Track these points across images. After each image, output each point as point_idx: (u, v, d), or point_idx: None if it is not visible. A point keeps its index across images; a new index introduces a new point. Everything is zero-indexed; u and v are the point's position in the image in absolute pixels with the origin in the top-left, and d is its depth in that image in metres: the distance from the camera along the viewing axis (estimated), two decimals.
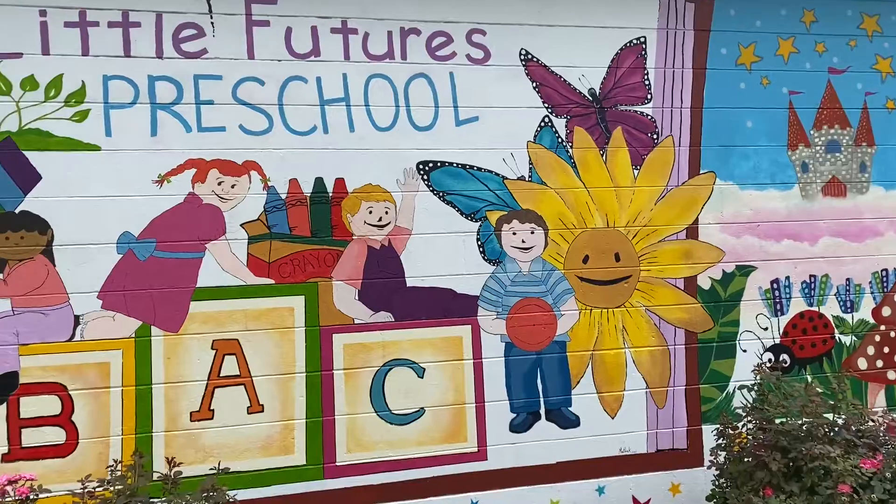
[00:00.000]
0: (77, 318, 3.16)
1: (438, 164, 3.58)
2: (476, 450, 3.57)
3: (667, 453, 3.79)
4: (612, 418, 3.73)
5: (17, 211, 3.11)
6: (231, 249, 3.33)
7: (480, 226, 3.62)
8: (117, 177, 3.21)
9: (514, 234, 3.66)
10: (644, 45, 3.83)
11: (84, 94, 3.18)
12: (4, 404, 3.07)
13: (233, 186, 3.34)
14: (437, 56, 3.59)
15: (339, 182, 3.47)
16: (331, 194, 3.46)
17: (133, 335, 3.21)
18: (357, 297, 3.47)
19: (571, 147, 3.72)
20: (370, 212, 3.50)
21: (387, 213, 3.52)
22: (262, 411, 3.35)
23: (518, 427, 3.62)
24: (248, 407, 3.33)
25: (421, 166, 3.56)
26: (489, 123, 3.63)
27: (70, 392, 3.14)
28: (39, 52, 3.14)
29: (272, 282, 3.38)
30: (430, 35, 3.58)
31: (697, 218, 3.87)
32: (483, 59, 3.64)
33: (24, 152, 3.12)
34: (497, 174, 3.64)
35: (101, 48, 3.20)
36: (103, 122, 3.20)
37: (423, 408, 3.52)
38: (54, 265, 3.14)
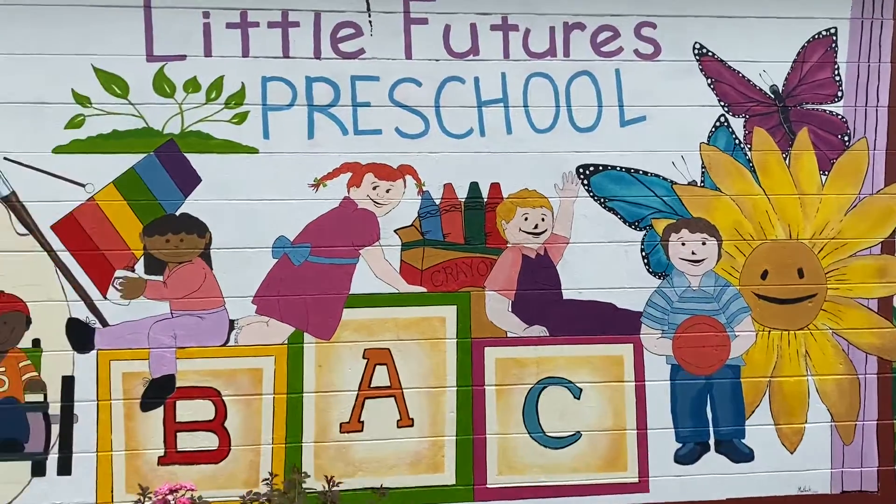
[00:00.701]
0: (232, 322, 3.12)
1: (600, 168, 3.32)
2: (637, 480, 3.27)
3: (853, 495, 3.36)
4: (791, 454, 3.33)
5: (177, 213, 3.11)
6: (384, 256, 3.21)
7: (645, 235, 3.33)
8: (274, 180, 3.15)
9: (684, 244, 3.34)
10: (835, 38, 3.42)
11: (243, 96, 3.15)
12: (162, 407, 3.07)
13: (387, 191, 3.22)
14: (602, 52, 3.34)
15: (495, 187, 3.28)
16: (485, 200, 3.28)
17: (286, 342, 3.14)
18: (510, 309, 3.27)
19: (750, 149, 3.37)
20: (526, 218, 3.29)
21: (543, 219, 3.30)
22: (412, 426, 3.20)
23: (684, 458, 3.30)
24: (397, 420, 3.19)
25: (581, 170, 3.31)
26: (657, 123, 3.34)
27: (223, 397, 3.11)
28: (202, 54, 3.13)
29: (424, 290, 3.23)
30: (596, 30, 3.33)
31: (894, 231, 3.42)
32: (652, 54, 3.35)
33: (185, 154, 3.12)
34: (665, 179, 3.34)
35: (260, 49, 3.16)
36: (261, 125, 3.16)
37: (579, 431, 3.26)
38: (211, 268, 3.12)
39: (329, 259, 3.18)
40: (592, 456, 3.26)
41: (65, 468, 3.01)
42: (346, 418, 3.17)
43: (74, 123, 3.06)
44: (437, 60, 3.25)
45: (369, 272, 3.20)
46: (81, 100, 3.06)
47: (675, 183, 3.34)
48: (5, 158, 3.02)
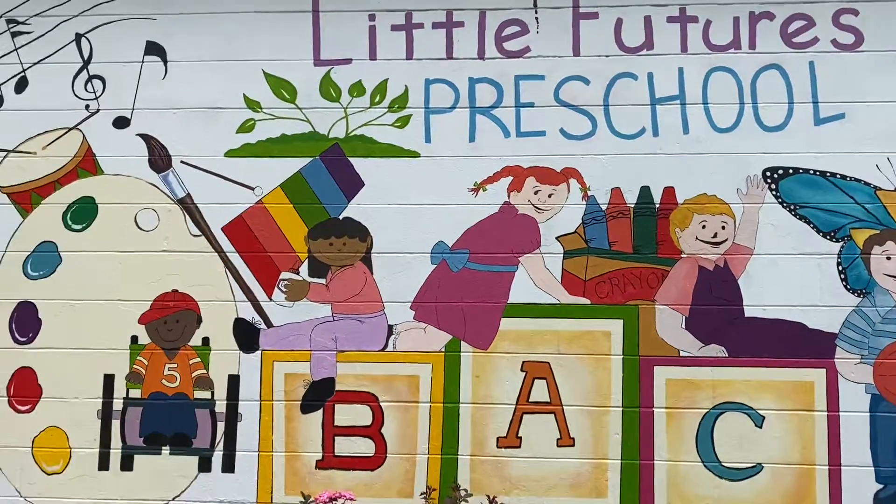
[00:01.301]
0: (391, 327, 3.07)
1: (790, 171, 2.98)
2: None
3: None
4: None
5: (340, 217, 3.10)
6: (545, 264, 3.05)
7: (843, 247, 2.96)
8: (434, 184, 3.08)
9: (889, 259, 2.94)
10: None
11: (406, 99, 3.11)
12: (321, 410, 3.07)
13: (550, 196, 3.06)
14: (793, 43, 3.01)
15: (668, 191, 3.03)
16: (657, 205, 3.04)
17: (443, 349, 3.05)
18: (684, 326, 3.00)
19: None
20: (703, 226, 3.02)
21: (723, 228, 3.01)
22: (573, 445, 3.00)
23: (885, 501, 2.88)
24: (557, 438, 3.01)
25: (768, 173, 2.99)
26: (859, 121, 2.96)
27: (381, 403, 3.06)
28: (367, 58, 3.12)
29: (588, 302, 3.03)
30: (787, 19, 3.01)
31: None
32: (853, 44, 2.98)
33: (349, 159, 3.11)
34: (867, 184, 2.95)
35: (424, 51, 3.10)
36: (423, 128, 3.10)
37: (760, 464, 2.93)
38: (372, 273, 3.09)
39: (487, 266, 3.06)
40: (775, 492, 2.92)
41: (229, 465, 3.07)
42: (504, 433, 3.03)
43: (245, 128, 3.14)
44: (607, 56, 3.06)
45: (529, 281, 3.05)
46: (252, 104, 3.14)
47: (880, 188, 2.95)
48: (182, 162, 3.15)
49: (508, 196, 3.07)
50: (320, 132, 3.12)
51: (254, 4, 3.13)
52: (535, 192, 3.07)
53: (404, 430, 3.05)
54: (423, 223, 3.07)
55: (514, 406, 3.03)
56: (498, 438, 3.03)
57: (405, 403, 3.05)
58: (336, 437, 3.06)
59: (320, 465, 3.06)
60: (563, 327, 3.04)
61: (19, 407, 3.13)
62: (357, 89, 3.12)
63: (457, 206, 3.07)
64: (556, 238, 3.05)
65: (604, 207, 3.05)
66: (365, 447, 3.05)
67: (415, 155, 3.09)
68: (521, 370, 3.04)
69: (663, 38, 3.04)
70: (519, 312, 3.05)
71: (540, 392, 3.03)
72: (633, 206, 3.04)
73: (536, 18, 3.08)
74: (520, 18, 3.08)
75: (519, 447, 3.02)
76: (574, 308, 3.03)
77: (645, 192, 3.04)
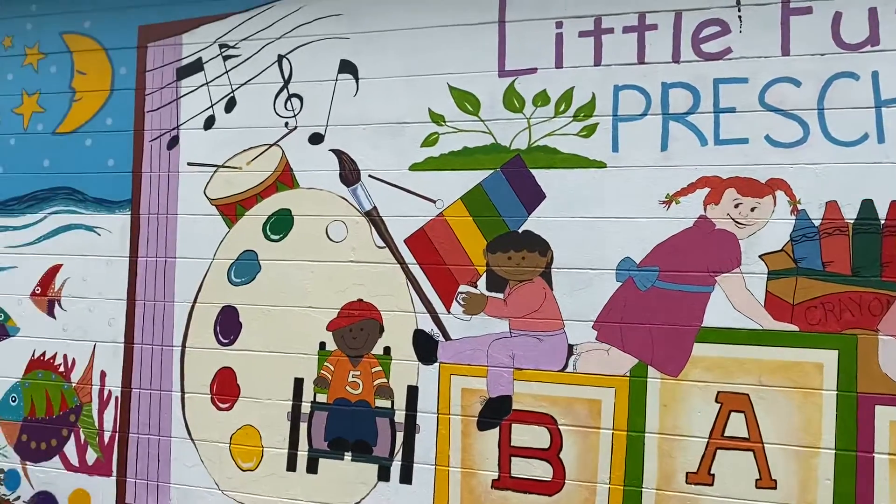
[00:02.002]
0: (571, 347, 2.94)
1: None
2: None
3: None
4: None
5: (520, 230, 3.02)
6: (746, 285, 2.76)
7: None
8: (621, 196, 2.91)
9: None
10: None
11: (593, 108, 2.96)
12: (497, 429, 3.00)
13: (753, 209, 2.77)
14: None
15: None
16: (883, 221, 2.65)
17: (628, 374, 2.86)
18: None
19: None
20: None
21: None
22: (775, 488, 2.69)
23: None
24: (756, 479, 2.71)
25: None
26: None
27: (560, 426, 2.93)
28: (552, 66, 3.01)
29: (796, 329, 2.70)
30: None
31: None
32: None
33: (531, 170, 3.02)
34: None
35: (613, 56, 2.94)
36: (611, 137, 2.94)
37: None
38: (552, 289, 2.97)
39: (679, 285, 2.83)
40: None
41: (406, 476, 3.09)
42: (694, 468, 2.77)
43: (429, 141, 3.16)
44: (822, 55, 2.72)
45: (727, 303, 2.78)
46: (437, 118, 3.15)
47: None
48: (370, 175, 3.23)
49: (704, 209, 2.82)
50: (502, 144, 3.06)
51: (440, 19, 3.15)
52: (736, 205, 2.79)
53: (584, 457, 2.89)
54: (609, 238, 2.91)
55: (706, 440, 2.77)
56: (688, 473, 2.78)
57: (585, 429, 2.89)
58: (513, 458, 2.97)
59: (496, 484, 2.98)
60: (766, 356, 2.73)
61: (220, 404, 3.37)
62: (541, 99, 3.02)
63: (646, 220, 2.88)
64: (760, 256, 2.76)
65: (816, 223, 2.71)
66: (542, 471, 2.93)
67: (601, 165, 2.94)
68: (716, 401, 2.77)
69: (891, 33, 2.65)
70: (715, 338, 2.78)
71: (737, 426, 2.75)
72: (852, 221, 2.68)
73: (739, 17, 2.81)
74: (720, 18, 2.83)
75: (711, 485, 2.75)
76: (779, 335, 2.72)
77: (867, 205, 2.66)
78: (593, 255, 2.93)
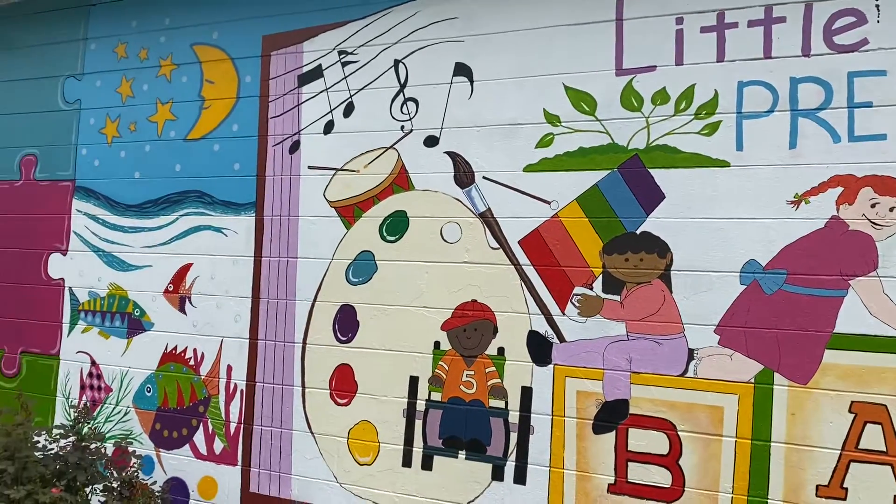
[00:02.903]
0: (691, 351, 2.86)
1: None
2: None
3: None
4: None
5: (638, 232, 2.97)
6: (884, 289, 2.61)
7: None
8: (745, 196, 2.80)
9: None
10: None
11: (716, 105, 2.87)
12: (614, 433, 2.96)
13: (892, 209, 2.61)
14: None
15: None
16: None
17: (752, 380, 2.76)
18: None
19: None
20: None
21: None
22: None
23: None
24: (895, 496, 2.56)
25: None
26: None
27: (679, 432, 2.86)
28: (672, 63, 2.94)
29: None
30: None
31: None
32: None
33: (649, 170, 2.96)
34: None
35: (737, 52, 2.84)
36: (735, 135, 2.84)
37: None
38: (671, 291, 2.91)
39: (809, 289, 2.70)
40: None
41: (520, 477, 3.10)
42: (825, 481, 2.64)
43: (544, 142, 3.15)
44: None
45: (862, 308, 2.63)
46: (552, 119, 3.14)
47: None
48: (484, 177, 3.25)
49: (837, 209, 2.69)
50: (619, 144, 3.02)
51: (555, 18, 3.14)
52: (873, 205, 2.64)
53: (705, 465, 2.81)
54: (732, 239, 2.81)
55: (839, 452, 2.64)
56: (818, 487, 2.65)
57: (707, 436, 2.81)
58: (629, 463, 2.93)
59: (612, 489, 2.95)
60: None
61: (339, 400, 3.48)
62: (661, 97, 2.96)
63: (772, 221, 2.76)
64: None
65: None
66: (660, 477, 2.87)
67: (724, 164, 2.84)
68: (850, 411, 2.63)
69: None
70: (848, 345, 2.64)
71: (873, 439, 2.60)
72: None
73: (877, 6, 2.66)
74: (855, 8, 2.69)
75: (844, 499, 2.62)
76: None
77: None
78: (716, 257, 2.84)
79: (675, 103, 2.94)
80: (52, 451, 3.38)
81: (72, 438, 3.44)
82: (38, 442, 3.41)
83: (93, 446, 3.32)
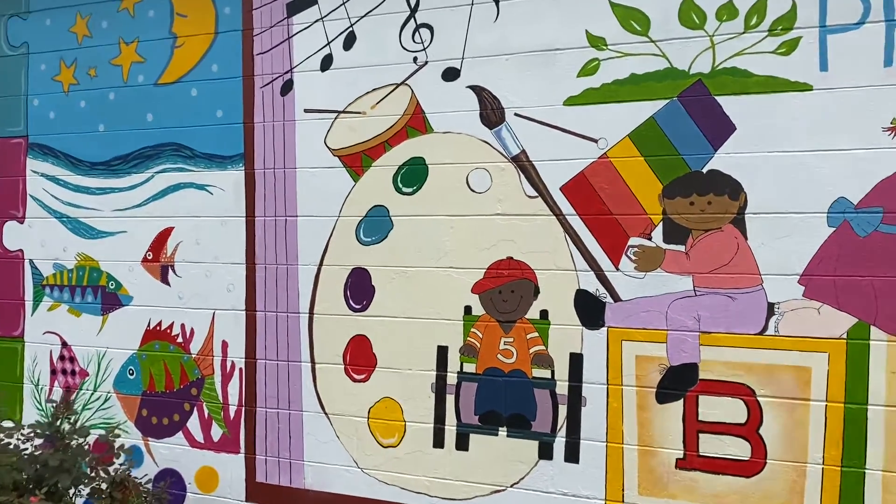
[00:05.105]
0: (771, 306, 2.49)
1: None
2: None
3: None
4: None
5: (704, 170, 2.57)
6: None
7: None
8: (833, 124, 2.41)
9: None
10: None
11: (794, 18, 2.45)
12: (681, 400, 2.60)
13: None
14: None
15: None
16: None
17: (844, 336, 2.41)
18: None
19: None
20: None
21: None
22: None
23: None
24: None
25: None
26: None
27: (758, 398, 2.51)
28: None
29: None
30: None
31: None
32: None
33: (716, 98, 2.55)
34: None
35: None
36: (818, 53, 2.43)
37: None
38: (746, 238, 2.52)
39: None
40: None
41: (572, 455, 2.73)
42: None
43: (588, 70, 2.70)
44: None
45: None
46: (596, 42, 2.69)
47: None
48: (516, 114, 2.80)
49: None
50: (679, 68, 2.59)
51: None
52: None
53: (790, 433, 2.47)
54: (817, 174, 2.43)
55: None
56: None
57: (791, 401, 2.47)
58: (700, 434, 2.57)
59: (681, 464, 2.60)
60: None
61: (355, 376, 3.06)
62: (727, 11, 2.52)
63: (865, 152, 2.38)
64: None
65: None
66: (737, 449, 2.53)
67: (806, 88, 2.44)
68: None
69: None
70: None
71: None
72: None
73: None
74: None
75: None
76: None
77: None
78: (798, 196, 2.45)
79: (744, 18, 2.51)
80: (27, 452, 2.91)
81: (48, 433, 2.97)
82: (10, 443, 2.93)
83: (75, 443, 2.86)
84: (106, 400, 3.52)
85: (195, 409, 3.35)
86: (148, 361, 3.44)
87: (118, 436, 3.18)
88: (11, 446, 2.90)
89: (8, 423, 3.07)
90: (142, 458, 3.45)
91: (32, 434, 2.98)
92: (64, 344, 3.62)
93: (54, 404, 3.06)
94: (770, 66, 2.48)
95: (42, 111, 3.64)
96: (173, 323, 3.39)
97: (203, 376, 3.34)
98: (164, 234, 3.39)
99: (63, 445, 2.82)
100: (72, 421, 2.97)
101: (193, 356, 3.35)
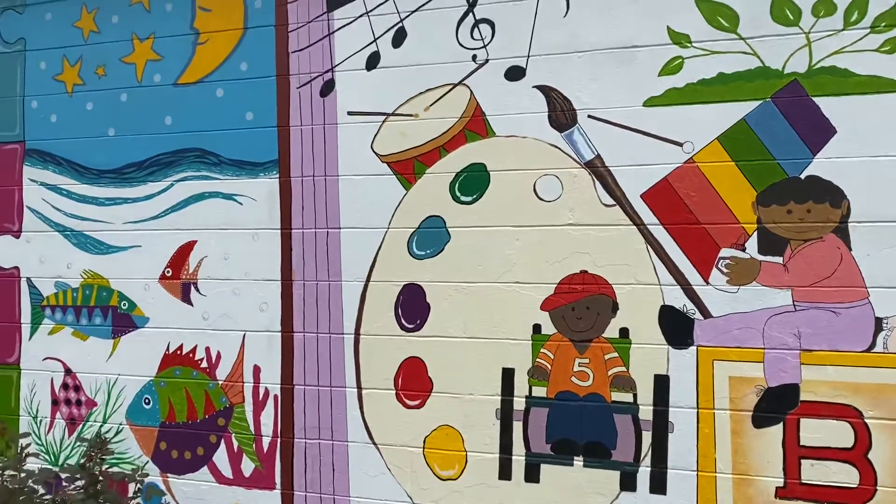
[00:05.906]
0: (879, 321, 2.32)
1: None
2: None
3: None
4: None
5: (802, 176, 2.39)
6: None
7: None
8: None
9: None
10: None
11: None
12: (781, 425, 2.41)
13: None
14: None
15: None
16: None
17: None
18: None
19: None
20: None
21: None
22: None
23: None
24: None
25: None
26: None
27: (866, 420, 2.33)
28: None
29: None
30: None
31: None
32: None
33: (814, 99, 2.38)
34: None
35: None
36: None
37: None
38: (850, 248, 2.35)
39: None
40: None
41: (659, 485, 2.52)
42: None
43: (670, 69, 2.52)
44: None
45: None
46: (679, 39, 2.50)
47: None
48: (589, 116, 2.60)
49: None
50: (772, 67, 2.42)
51: None
52: None
53: None
54: None
55: None
56: None
57: None
58: (803, 460, 2.39)
59: (781, 493, 2.41)
60: None
61: (408, 402, 2.80)
62: (824, 7, 2.36)
63: None
64: None
65: None
66: (844, 475, 2.35)
67: None
68: None
69: None
70: None
71: None
72: None
73: None
74: None
75: None
76: None
77: None
78: None
79: (844, 14, 2.35)
80: (48, 499, 2.56)
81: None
82: (36, 490, 2.57)
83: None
84: (118, 433, 3.18)
85: (222, 441, 3.04)
86: (167, 389, 3.11)
87: (146, 475, 2.85)
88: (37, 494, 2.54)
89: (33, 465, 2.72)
90: (160, 496, 3.12)
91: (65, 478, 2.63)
92: (67, 371, 3.28)
93: (87, 444, 2.71)
94: (873, 64, 2.32)
95: (42, 114, 3.30)
96: (196, 346, 3.08)
97: (232, 405, 3.03)
98: (186, 249, 3.09)
99: (95, 493, 2.49)
100: (108, 463, 2.63)
101: (220, 383, 3.04)
